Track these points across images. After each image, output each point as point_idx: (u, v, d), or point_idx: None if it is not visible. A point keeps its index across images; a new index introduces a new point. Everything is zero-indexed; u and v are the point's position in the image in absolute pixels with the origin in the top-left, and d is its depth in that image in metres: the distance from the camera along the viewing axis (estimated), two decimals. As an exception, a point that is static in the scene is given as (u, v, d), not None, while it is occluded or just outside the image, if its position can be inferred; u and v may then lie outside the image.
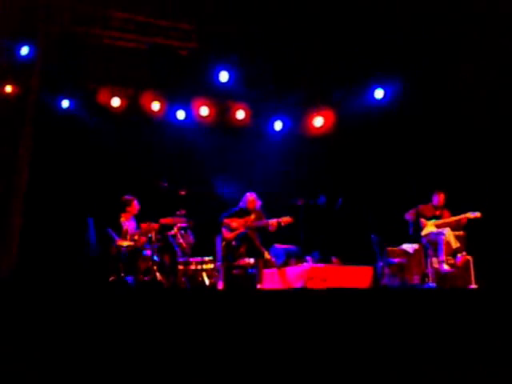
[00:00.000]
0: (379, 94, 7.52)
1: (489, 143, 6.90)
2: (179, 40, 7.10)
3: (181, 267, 6.01)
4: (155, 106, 7.39)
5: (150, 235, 5.93)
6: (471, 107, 6.92)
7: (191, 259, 6.10)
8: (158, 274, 5.75)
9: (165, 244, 6.14)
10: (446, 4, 6.30)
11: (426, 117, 7.30)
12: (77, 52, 6.78)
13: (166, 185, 6.30)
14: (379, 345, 2.81)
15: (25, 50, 6.60)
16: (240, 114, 7.77)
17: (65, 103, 7.04)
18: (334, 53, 7.18)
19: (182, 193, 6.32)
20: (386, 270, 6.08)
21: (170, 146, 7.46)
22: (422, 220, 6.18)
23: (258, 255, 5.97)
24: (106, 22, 6.82)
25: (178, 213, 6.21)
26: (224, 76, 7.27)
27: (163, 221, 6.13)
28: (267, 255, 6.05)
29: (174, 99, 7.49)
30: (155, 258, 5.90)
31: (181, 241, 6.12)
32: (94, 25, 6.78)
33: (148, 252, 5.91)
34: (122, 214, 6.22)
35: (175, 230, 6.15)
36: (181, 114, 7.57)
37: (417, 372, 2.71)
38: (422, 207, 6.21)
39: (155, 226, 6.02)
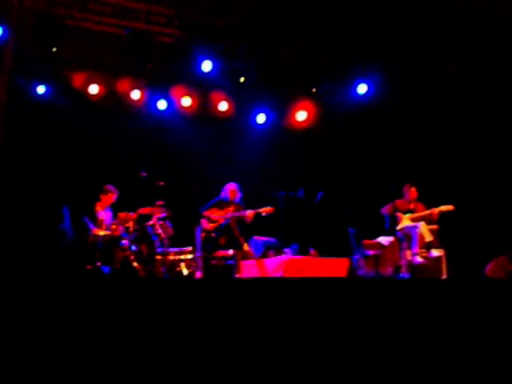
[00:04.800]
0: (362, 88, 7.51)
1: (466, 138, 7.07)
2: (161, 26, 6.87)
3: (159, 257, 5.99)
4: (135, 94, 7.23)
5: (127, 225, 5.88)
6: (452, 103, 7.08)
7: (170, 249, 6.08)
8: (135, 264, 5.72)
9: (143, 234, 6.10)
10: (431, 2, 6.38)
11: (407, 112, 7.41)
12: (53, 35, 6.55)
13: (144, 175, 6.25)
14: (354, 330, 2.88)
15: (-2, 31, 6.32)
16: (223, 106, 7.65)
17: (40, 89, 6.84)
18: (318, 47, 7.18)
19: (161, 183, 6.28)
20: (362, 262, 6.20)
21: (150, 136, 7.36)
22: (399, 214, 6.31)
23: (237, 247, 5.99)
24: (84, 5, 6.57)
25: (156, 203, 6.17)
26: (207, 66, 7.03)
27: (141, 211, 6.09)
28: (246, 247, 6.09)
29: (154, 88, 7.36)
30: (133, 247, 5.86)
31: (159, 231, 6.08)
32: (72, 7, 6.53)
33: (125, 242, 5.87)
34: (97, 204, 6.15)
35: (154, 220, 6.12)
36: (162, 104, 7.43)
37: (389, 356, 2.79)
38: (398, 202, 6.33)
39: (133, 215, 5.98)
